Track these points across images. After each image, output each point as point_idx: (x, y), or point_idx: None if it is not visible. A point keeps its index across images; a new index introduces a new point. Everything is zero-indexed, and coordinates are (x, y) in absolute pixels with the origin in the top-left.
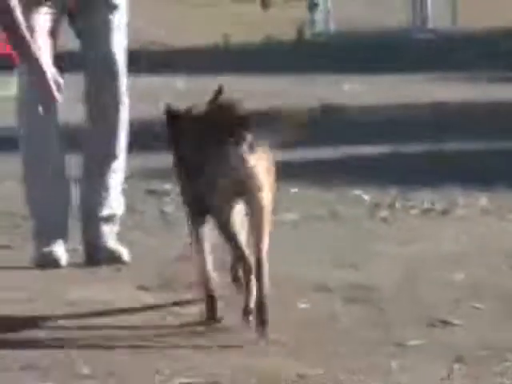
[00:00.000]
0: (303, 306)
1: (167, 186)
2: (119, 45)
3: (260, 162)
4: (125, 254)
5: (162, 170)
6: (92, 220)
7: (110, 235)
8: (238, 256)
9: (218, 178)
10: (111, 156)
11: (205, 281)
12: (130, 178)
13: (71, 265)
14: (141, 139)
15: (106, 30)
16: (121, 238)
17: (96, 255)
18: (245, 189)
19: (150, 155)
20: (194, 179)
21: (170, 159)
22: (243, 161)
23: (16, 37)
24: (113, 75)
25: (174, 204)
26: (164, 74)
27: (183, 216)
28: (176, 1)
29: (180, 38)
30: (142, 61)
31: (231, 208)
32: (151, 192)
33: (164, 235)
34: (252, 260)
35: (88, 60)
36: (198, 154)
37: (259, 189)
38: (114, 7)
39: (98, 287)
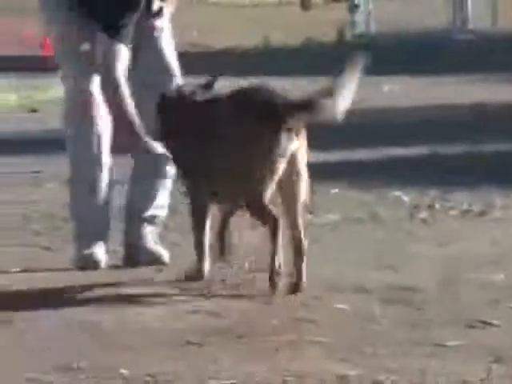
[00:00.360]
0: (342, 306)
1: None
2: (170, 49)
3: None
4: (165, 255)
5: None
6: (135, 221)
7: (151, 236)
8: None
9: (270, 159)
10: (162, 159)
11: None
12: (172, 179)
13: (111, 266)
14: None
15: (154, 38)
16: (162, 239)
17: (136, 256)
18: (291, 173)
19: None
20: (220, 159)
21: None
22: (292, 144)
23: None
24: (169, 78)
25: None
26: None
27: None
28: (213, 3)
29: (220, 39)
30: (183, 63)
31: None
32: None
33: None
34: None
35: (139, 67)
36: (230, 134)
37: (305, 173)
38: (156, 14)
39: (138, 288)
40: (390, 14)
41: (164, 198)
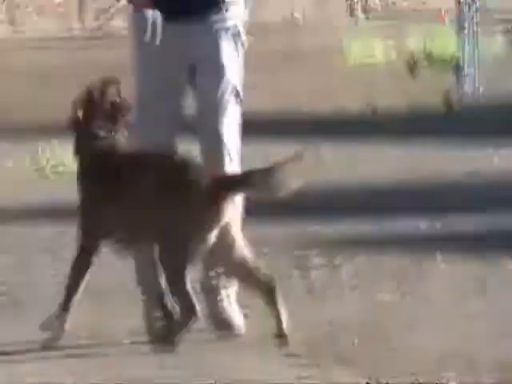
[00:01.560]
0: None
1: (316, 259)
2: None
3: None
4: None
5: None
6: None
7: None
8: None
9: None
10: None
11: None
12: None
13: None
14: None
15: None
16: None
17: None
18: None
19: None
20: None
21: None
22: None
23: None
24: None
25: (320, 271)
26: (308, 141)
27: (329, 284)
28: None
29: (322, 104)
30: (286, 127)
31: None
32: (298, 257)
33: (311, 303)
34: None
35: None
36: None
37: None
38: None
39: (246, 355)
40: (498, 76)
41: None
